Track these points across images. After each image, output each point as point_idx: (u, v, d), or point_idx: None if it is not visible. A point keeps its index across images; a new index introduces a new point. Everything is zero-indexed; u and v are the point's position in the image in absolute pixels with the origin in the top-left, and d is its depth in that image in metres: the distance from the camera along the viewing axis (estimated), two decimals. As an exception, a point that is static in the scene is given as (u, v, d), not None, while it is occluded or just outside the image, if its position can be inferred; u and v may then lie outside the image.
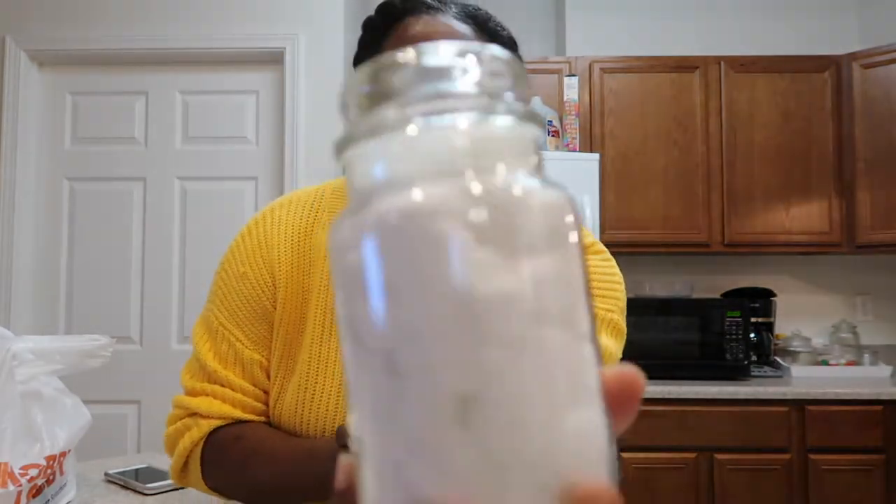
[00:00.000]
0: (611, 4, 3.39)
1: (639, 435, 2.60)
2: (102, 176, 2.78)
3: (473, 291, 0.24)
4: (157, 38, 2.73)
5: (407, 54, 0.26)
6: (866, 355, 3.00)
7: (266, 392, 0.85)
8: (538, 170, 0.27)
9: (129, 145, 2.79)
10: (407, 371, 0.24)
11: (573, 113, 2.83)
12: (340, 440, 0.60)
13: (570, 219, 0.26)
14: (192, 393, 0.85)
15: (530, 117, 0.27)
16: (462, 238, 0.24)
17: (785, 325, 3.20)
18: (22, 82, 2.72)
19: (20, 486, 0.80)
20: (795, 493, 2.59)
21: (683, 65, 3.04)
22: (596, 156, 2.68)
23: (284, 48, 2.71)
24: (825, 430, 2.60)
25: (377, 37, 0.83)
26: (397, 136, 0.26)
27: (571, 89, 2.85)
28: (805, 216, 2.99)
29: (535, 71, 3.04)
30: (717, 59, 3.04)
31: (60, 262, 2.77)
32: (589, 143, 2.98)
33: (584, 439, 0.25)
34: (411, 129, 0.25)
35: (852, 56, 3.00)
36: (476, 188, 0.24)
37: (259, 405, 0.84)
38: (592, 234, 0.90)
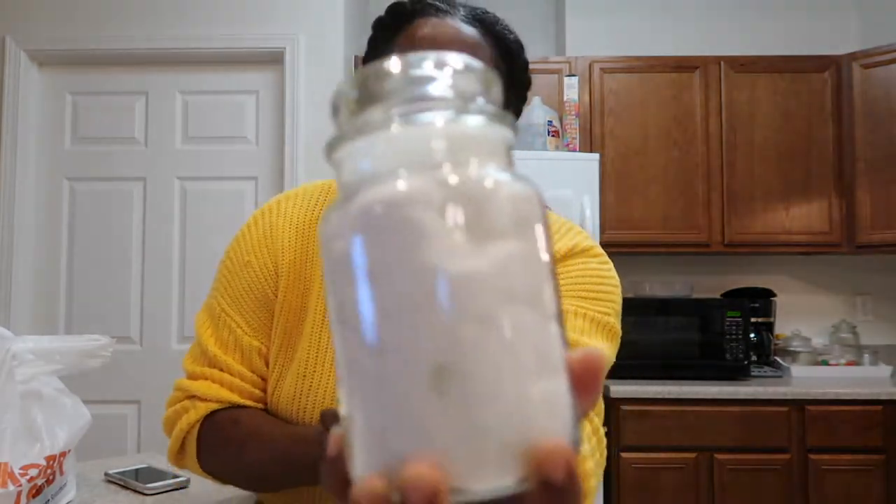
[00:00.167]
0: (611, 4, 3.38)
1: (639, 435, 2.60)
2: (102, 176, 2.78)
3: (447, 272, 0.27)
4: (157, 38, 2.73)
5: (390, 63, 0.30)
6: (866, 355, 3.00)
7: (264, 379, 0.86)
8: (509, 165, 0.31)
9: (129, 145, 2.80)
10: (388, 346, 0.27)
11: (573, 113, 2.83)
12: (325, 422, 0.61)
13: (536, 209, 0.30)
14: (192, 377, 0.86)
15: (500, 118, 0.30)
16: (437, 224, 0.27)
17: (785, 325, 3.20)
18: (22, 82, 2.72)
19: (20, 486, 0.80)
20: (795, 493, 2.59)
21: (683, 65, 3.04)
22: (596, 156, 2.68)
23: (284, 48, 2.71)
24: (825, 430, 2.60)
25: (388, 36, 0.84)
26: (381, 134, 0.29)
27: (571, 89, 2.85)
28: (805, 216, 2.99)
29: (535, 71, 3.01)
30: (717, 59, 3.04)
31: (60, 262, 2.77)
32: (589, 143, 2.98)
33: (548, 407, 0.28)
34: (394, 128, 0.29)
35: (852, 56, 3.00)
36: (452, 179, 0.28)
37: (256, 391, 0.86)
38: (591, 238, 0.90)
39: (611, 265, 0.88)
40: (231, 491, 1.06)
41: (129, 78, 2.80)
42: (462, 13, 0.84)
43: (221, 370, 0.86)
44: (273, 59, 2.75)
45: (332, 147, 0.30)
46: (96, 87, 2.80)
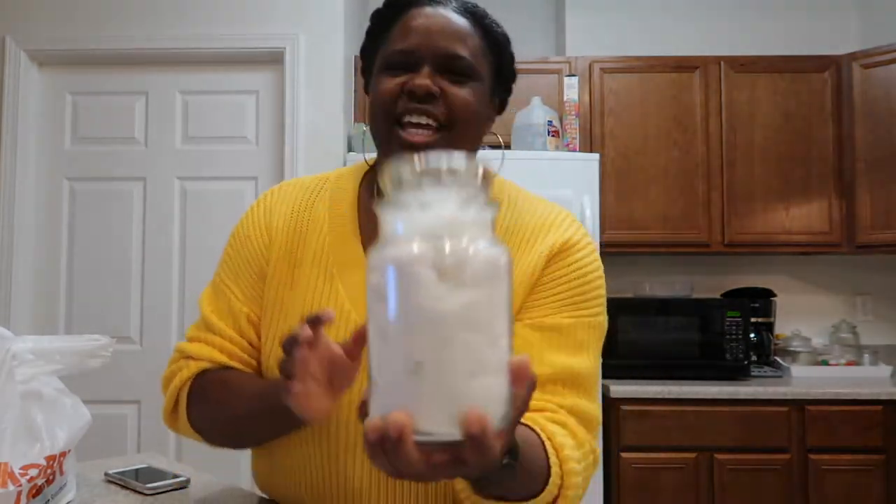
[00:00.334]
0: (611, 4, 3.38)
1: (639, 435, 2.60)
2: (102, 176, 2.78)
3: (428, 309, 0.46)
4: (157, 38, 2.73)
5: (420, 161, 0.48)
6: (866, 355, 3.00)
7: (252, 345, 0.93)
8: (490, 232, 0.49)
9: (129, 145, 2.80)
10: (391, 343, 0.47)
11: (573, 113, 2.83)
12: (285, 348, 0.68)
13: (501, 268, 0.48)
14: (190, 340, 0.96)
15: (485, 205, 0.49)
16: (429, 278, 0.46)
17: (785, 325, 3.19)
18: (22, 82, 2.72)
19: (20, 486, 0.80)
20: (795, 493, 2.59)
21: (683, 65, 3.04)
22: (596, 156, 2.68)
23: (284, 48, 2.71)
24: (825, 430, 2.60)
25: (385, 25, 0.91)
26: (410, 213, 0.47)
27: (571, 89, 2.85)
28: (805, 216, 2.99)
29: (535, 71, 3.04)
30: (717, 59, 3.04)
31: (60, 262, 2.77)
32: (589, 143, 2.98)
33: (483, 394, 0.47)
34: (416, 210, 0.47)
35: (852, 56, 3.00)
36: (447, 248, 0.46)
37: (244, 355, 0.93)
38: (581, 227, 0.94)
39: (593, 256, 0.92)
40: (231, 491, 1.07)
41: (129, 78, 2.80)
42: (454, 5, 0.89)
43: (214, 333, 0.94)
44: (273, 59, 2.75)
45: (380, 208, 0.49)
46: (96, 87, 2.80)
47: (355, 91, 2.89)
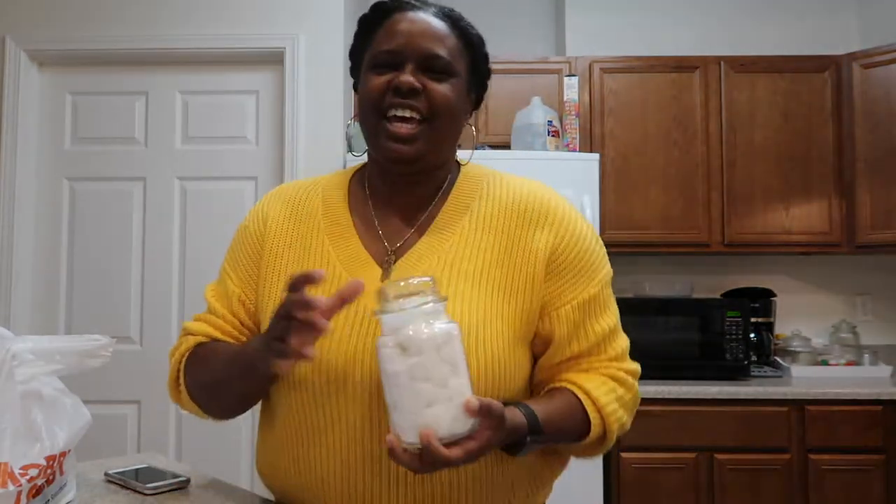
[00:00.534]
0: (611, 4, 3.39)
1: (639, 435, 2.60)
2: (102, 176, 2.78)
3: (390, 370, 0.78)
4: (157, 38, 2.73)
5: (399, 284, 0.79)
6: (866, 355, 3.00)
7: (242, 323, 1.05)
8: (444, 316, 0.80)
9: (129, 145, 2.80)
10: (386, 390, 0.80)
11: (573, 113, 2.83)
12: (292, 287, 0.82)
13: (448, 340, 0.79)
14: (194, 320, 1.08)
15: (442, 301, 0.80)
16: (394, 353, 0.78)
17: (785, 325, 3.20)
18: (22, 82, 2.72)
19: (20, 486, 0.81)
20: (795, 493, 2.59)
21: (683, 65, 3.04)
22: (596, 156, 2.68)
23: (284, 48, 2.71)
24: (825, 430, 2.60)
25: (371, 28, 1.01)
26: (392, 315, 0.79)
27: (571, 89, 2.85)
28: (805, 216, 2.99)
29: (535, 71, 3.04)
30: (717, 59, 3.04)
31: (60, 262, 2.77)
32: (589, 143, 2.99)
33: (435, 419, 0.76)
34: (395, 314, 0.79)
35: (852, 56, 3.00)
36: (409, 334, 0.78)
37: (234, 332, 1.04)
38: (557, 201, 1.05)
39: (578, 214, 1.05)
40: (231, 491, 1.07)
41: (129, 78, 2.80)
42: (433, 10, 1.00)
43: (213, 315, 1.06)
44: (273, 59, 2.75)
45: (377, 312, 0.80)
46: (96, 87, 2.80)
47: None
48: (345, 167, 2.70)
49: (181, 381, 1.03)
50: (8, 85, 2.70)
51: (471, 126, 1.07)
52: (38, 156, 2.78)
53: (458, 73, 0.98)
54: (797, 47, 3.26)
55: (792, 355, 3.01)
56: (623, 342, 1.03)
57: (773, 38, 3.32)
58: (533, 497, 1.02)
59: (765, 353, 3.04)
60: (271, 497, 1.05)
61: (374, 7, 1.01)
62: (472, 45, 1.01)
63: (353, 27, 1.06)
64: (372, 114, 0.96)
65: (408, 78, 0.93)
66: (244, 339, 1.03)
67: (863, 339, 3.14)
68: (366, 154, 1.06)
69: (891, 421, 2.60)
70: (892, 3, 3.25)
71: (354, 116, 1.09)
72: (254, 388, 0.98)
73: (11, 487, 0.80)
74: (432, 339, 0.77)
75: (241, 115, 2.79)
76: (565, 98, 2.85)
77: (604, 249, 1.04)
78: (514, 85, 2.99)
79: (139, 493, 1.03)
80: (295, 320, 0.77)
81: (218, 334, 1.03)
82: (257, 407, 1.06)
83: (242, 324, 1.04)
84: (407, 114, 0.94)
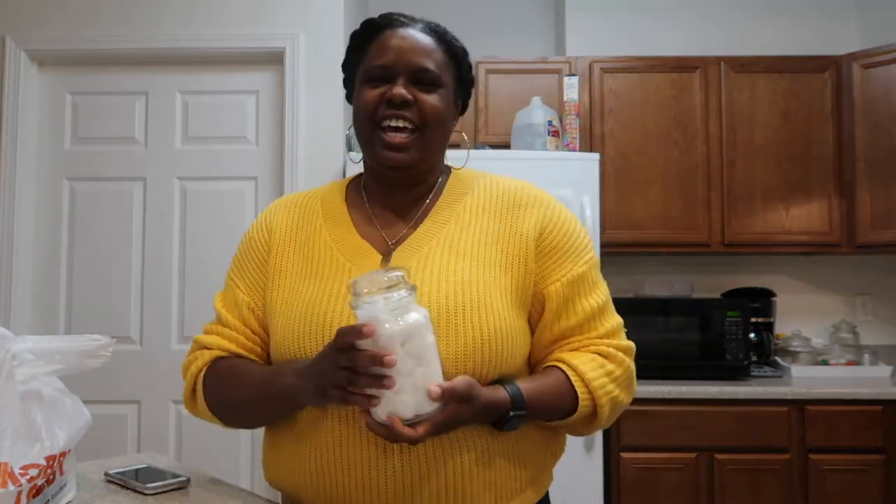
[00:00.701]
0: (611, 4, 3.39)
1: (639, 435, 2.60)
2: (102, 176, 2.78)
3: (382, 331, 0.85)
4: (157, 38, 2.73)
5: (367, 279, 0.85)
6: (866, 355, 3.00)
7: (253, 332, 1.08)
8: (414, 304, 0.86)
9: (129, 145, 2.80)
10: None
11: (573, 113, 2.83)
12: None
13: (418, 334, 0.85)
14: (205, 332, 1.11)
15: (414, 290, 0.86)
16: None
17: (785, 325, 3.20)
18: (22, 82, 2.72)
19: (20, 486, 0.81)
20: (795, 493, 2.59)
21: (683, 65, 3.04)
22: (596, 156, 2.68)
23: (284, 48, 2.71)
24: (825, 430, 2.60)
25: (363, 44, 1.08)
26: (361, 311, 0.85)
27: (571, 89, 2.85)
28: (805, 216, 2.99)
29: (535, 71, 3.04)
30: (717, 59, 3.04)
31: (60, 262, 2.77)
32: (589, 143, 2.99)
33: (402, 405, 0.84)
34: (362, 308, 0.85)
35: (852, 56, 3.00)
36: (393, 322, 0.84)
37: (248, 343, 1.08)
38: (541, 195, 1.10)
39: (567, 210, 1.11)
40: (231, 491, 1.07)
41: (129, 78, 2.80)
42: (420, 26, 1.07)
43: (223, 325, 1.09)
44: (273, 59, 2.75)
45: (350, 304, 0.87)
46: (96, 87, 2.80)
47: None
48: (345, 167, 2.71)
49: (198, 396, 1.07)
50: (8, 85, 2.70)
51: (459, 132, 1.16)
52: (38, 156, 2.78)
53: (445, 84, 1.05)
54: (797, 47, 3.26)
55: (792, 355, 3.01)
56: (613, 320, 1.07)
57: (773, 38, 3.32)
58: (539, 477, 1.04)
59: (765, 353, 3.04)
60: (271, 497, 1.05)
61: (366, 24, 1.09)
62: (456, 57, 1.09)
63: (354, 27, 1.09)
64: (367, 124, 1.03)
65: (400, 91, 1.00)
66: (258, 349, 1.08)
67: (863, 339, 3.14)
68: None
69: (891, 421, 2.59)
70: (892, 3, 3.25)
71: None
72: (289, 413, 1.01)
73: (11, 487, 0.80)
74: (396, 335, 0.83)
75: (241, 115, 2.79)
76: (565, 98, 2.85)
77: (589, 238, 1.10)
78: (514, 85, 3.00)
79: (139, 493, 1.03)
80: (362, 375, 0.83)
81: (234, 347, 1.07)
82: None
83: (254, 332, 1.08)
84: (400, 124, 1.01)
